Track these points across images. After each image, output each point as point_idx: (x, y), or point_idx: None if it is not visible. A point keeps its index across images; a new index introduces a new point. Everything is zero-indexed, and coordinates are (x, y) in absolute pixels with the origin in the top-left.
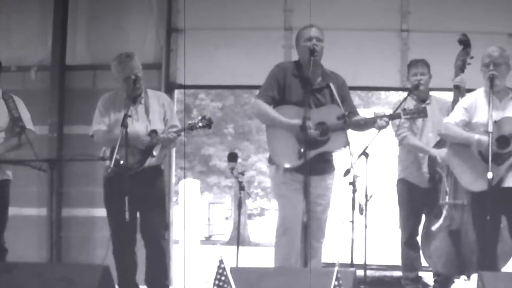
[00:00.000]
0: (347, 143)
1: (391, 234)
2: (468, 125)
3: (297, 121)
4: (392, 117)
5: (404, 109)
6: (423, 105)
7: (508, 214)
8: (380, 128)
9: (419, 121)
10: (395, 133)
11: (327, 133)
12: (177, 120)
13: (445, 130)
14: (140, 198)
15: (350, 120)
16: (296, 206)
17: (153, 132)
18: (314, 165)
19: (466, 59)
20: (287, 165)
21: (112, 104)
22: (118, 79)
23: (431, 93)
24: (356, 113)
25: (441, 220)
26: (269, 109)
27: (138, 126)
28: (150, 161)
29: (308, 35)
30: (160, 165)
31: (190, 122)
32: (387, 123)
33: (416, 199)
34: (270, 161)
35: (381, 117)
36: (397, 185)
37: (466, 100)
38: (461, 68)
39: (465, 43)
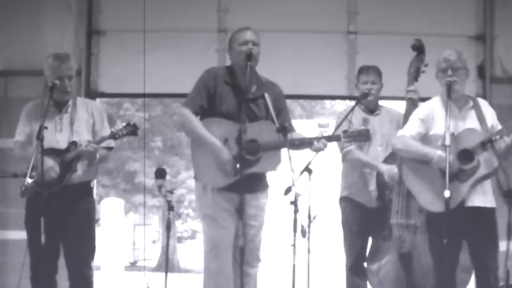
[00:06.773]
0: (279, 163)
1: (336, 259)
2: (425, 138)
3: (223, 148)
4: (331, 139)
5: (345, 131)
6: (373, 115)
7: (470, 236)
8: (317, 150)
9: None
10: (339, 147)
11: (258, 152)
12: (108, 131)
13: (402, 145)
14: (63, 221)
15: (284, 140)
16: (227, 228)
17: (73, 144)
18: (245, 182)
19: (420, 67)
20: (214, 185)
21: (35, 113)
22: (50, 77)
23: (380, 103)
24: (292, 129)
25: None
26: (195, 123)
27: (60, 137)
28: (72, 178)
29: (243, 38)
30: (89, 182)
31: (112, 130)
32: (325, 146)
33: (362, 219)
34: (197, 177)
35: (319, 138)
36: (340, 204)
37: (421, 111)
38: (414, 76)
39: (419, 49)
